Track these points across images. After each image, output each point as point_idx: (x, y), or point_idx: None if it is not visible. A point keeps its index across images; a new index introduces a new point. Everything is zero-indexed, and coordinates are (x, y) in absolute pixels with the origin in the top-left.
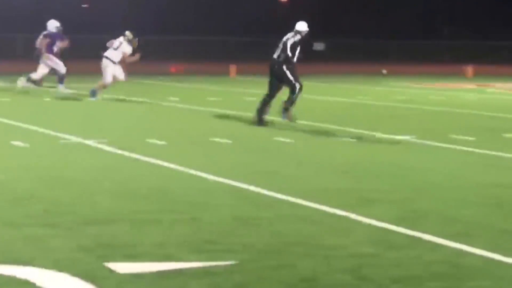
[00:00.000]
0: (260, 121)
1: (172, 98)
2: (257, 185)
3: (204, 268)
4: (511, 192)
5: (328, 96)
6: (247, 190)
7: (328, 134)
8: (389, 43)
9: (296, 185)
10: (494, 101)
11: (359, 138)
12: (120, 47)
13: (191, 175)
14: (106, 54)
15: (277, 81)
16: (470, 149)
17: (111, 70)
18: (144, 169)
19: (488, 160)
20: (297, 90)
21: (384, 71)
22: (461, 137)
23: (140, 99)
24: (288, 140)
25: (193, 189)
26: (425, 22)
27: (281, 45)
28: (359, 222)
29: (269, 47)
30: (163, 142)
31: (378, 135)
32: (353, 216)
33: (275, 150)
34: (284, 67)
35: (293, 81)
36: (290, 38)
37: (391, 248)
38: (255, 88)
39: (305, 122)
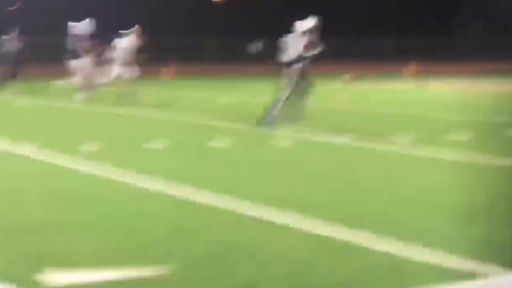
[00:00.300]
0: (269, 122)
1: (106, 102)
2: (194, 191)
3: (139, 277)
4: (451, 195)
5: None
6: (185, 196)
7: (267, 137)
8: (335, 41)
9: (234, 190)
10: (435, 100)
11: (298, 140)
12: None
13: (127, 181)
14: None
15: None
16: (409, 150)
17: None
18: (78, 175)
19: (428, 162)
20: (287, 97)
21: (347, 76)
22: (401, 138)
23: (73, 103)
24: (225, 144)
25: (128, 195)
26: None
27: (289, 46)
28: (297, 226)
29: (205, 49)
30: (97, 147)
31: (317, 136)
32: (292, 221)
33: (212, 154)
34: (293, 70)
35: (293, 86)
36: (298, 39)
37: (330, 252)
38: (191, 91)
39: (243, 126)
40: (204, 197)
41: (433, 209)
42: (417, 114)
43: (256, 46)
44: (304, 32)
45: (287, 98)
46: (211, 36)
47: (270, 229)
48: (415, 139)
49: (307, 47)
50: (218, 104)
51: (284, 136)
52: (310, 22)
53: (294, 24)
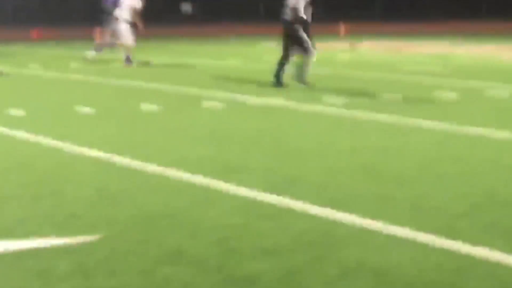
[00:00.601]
0: (278, 83)
1: (32, 65)
2: (122, 156)
3: (66, 244)
4: (383, 156)
5: (197, 59)
6: (112, 161)
7: (196, 100)
8: (259, 2)
9: (163, 155)
10: (367, 60)
11: (228, 102)
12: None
13: (53, 146)
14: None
15: (290, 42)
16: (343, 111)
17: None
18: (2, 141)
19: (361, 123)
20: (310, 53)
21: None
22: (333, 99)
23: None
24: (154, 108)
25: (55, 161)
26: None
27: (290, 6)
28: (227, 192)
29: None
30: (22, 113)
31: (248, 98)
32: (220, 185)
33: (141, 119)
34: (297, 29)
35: (306, 44)
36: None
37: (260, 218)
38: (121, 53)
39: (173, 87)
40: (133, 163)
41: (362, 173)
42: (348, 75)
43: (186, 8)
44: None
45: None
46: None
47: (200, 195)
48: (346, 100)
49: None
50: (151, 66)
51: (217, 98)
52: None
53: None
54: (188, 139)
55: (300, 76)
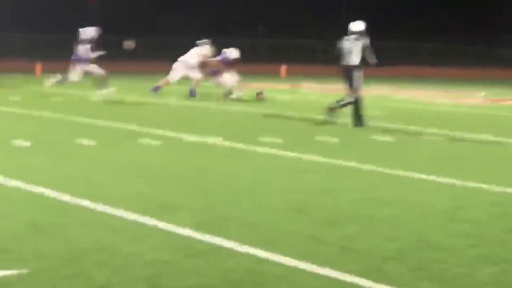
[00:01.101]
0: (360, 123)
1: None
2: (56, 190)
3: None
4: (316, 197)
5: (136, 96)
6: (45, 195)
7: (133, 136)
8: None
9: (96, 190)
10: (306, 101)
11: (164, 140)
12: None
13: None
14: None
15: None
16: (278, 152)
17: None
18: None
19: (296, 164)
20: (354, 98)
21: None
22: (269, 139)
23: None
24: (90, 143)
25: None
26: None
27: (348, 50)
28: (158, 229)
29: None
30: None
31: (184, 137)
32: (152, 222)
33: (77, 153)
34: (355, 72)
35: (356, 89)
36: (356, 42)
37: (190, 256)
38: (63, 87)
39: (110, 123)
40: (65, 197)
41: (294, 213)
42: (286, 115)
43: (128, 44)
44: (358, 35)
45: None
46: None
47: (130, 231)
48: (282, 140)
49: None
50: (89, 101)
51: (153, 135)
52: (361, 25)
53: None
54: (122, 175)
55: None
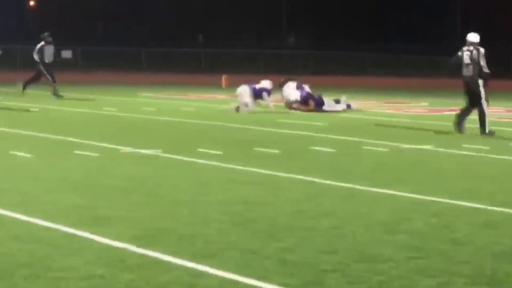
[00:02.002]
0: (460, 129)
1: None
2: None
3: None
4: (257, 210)
5: (73, 108)
6: None
7: (69, 148)
8: (141, 50)
9: (30, 203)
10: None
11: (102, 151)
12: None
13: None
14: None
15: (472, 96)
16: (217, 163)
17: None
18: None
19: (235, 175)
20: (483, 107)
21: None
22: (209, 151)
23: None
24: (26, 155)
25: None
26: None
27: (468, 62)
28: (93, 242)
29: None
30: None
31: (122, 148)
32: (86, 235)
33: (11, 165)
34: (479, 83)
35: (483, 99)
36: (475, 53)
37: (125, 270)
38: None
39: (46, 134)
40: None
41: (232, 225)
42: (227, 127)
43: (66, 54)
44: (477, 46)
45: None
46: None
47: (64, 245)
48: (222, 152)
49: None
50: (28, 112)
51: (90, 147)
52: (478, 36)
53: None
54: (57, 187)
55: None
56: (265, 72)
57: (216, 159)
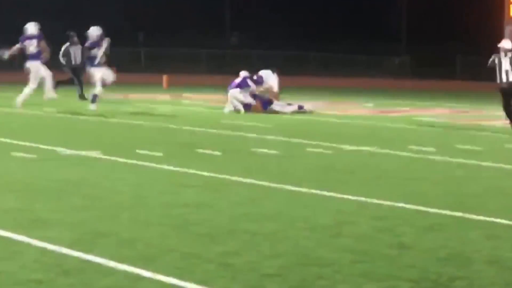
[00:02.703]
0: None
1: None
2: None
3: None
4: (198, 213)
5: (10, 108)
6: None
7: (5, 149)
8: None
9: None
10: (188, 113)
11: (39, 153)
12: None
13: None
14: None
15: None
16: (158, 165)
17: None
18: None
19: (176, 177)
20: None
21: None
22: (149, 152)
23: None
24: None
25: None
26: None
27: (506, 67)
28: (30, 246)
29: None
30: None
31: (60, 150)
32: (23, 238)
33: None
34: None
35: None
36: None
37: (63, 274)
38: None
39: None
40: None
41: (173, 229)
42: (167, 128)
43: (1, 53)
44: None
45: None
46: None
47: (1, 248)
48: (162, 153)
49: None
50: None
51: (28, 148)
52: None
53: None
54: None
55: None
56: (207, 73)
57: (157, 160)
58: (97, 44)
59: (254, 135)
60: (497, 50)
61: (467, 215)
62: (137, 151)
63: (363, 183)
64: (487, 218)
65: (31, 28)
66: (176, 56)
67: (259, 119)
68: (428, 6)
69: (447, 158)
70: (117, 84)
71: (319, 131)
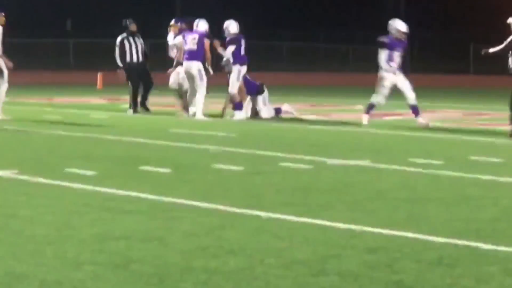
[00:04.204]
0: None
1: None
2: None
3: None
4: (143, 247)
5: None
6: None
7: None
8: None
9: None
10: (129, 120)
11: None
12: None
13: None
14: None
15: None
16: (91, 187)
17: None
18: None
19: (113, 202)
20: None
21: None
22: (80, 171)
23: None
24: None
25: None
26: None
27: None
28: None
29: None
30: None
31: None
32: None
33: None
34: None
35: None
36: None
37: None
38: None
39: None
40: None
41: (111, 268)
42: (104, 139)
43: None
44: None
45: None
46: None
47: None
48: (97, 172)
49: None
50: None
51: None
52: None
53: None
54: None
55: None
56: (152, 70)
57: (89, 181)
58: None
59: (214, 147)
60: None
61: (483, 246)
62: (65, 169)
63: (352, 207)
64: (508, 249)
65: None
66: (113, 50)
67: (220, 127)
68: None
69: (458, 173)
70: (39, 85)
71: (296, 141)
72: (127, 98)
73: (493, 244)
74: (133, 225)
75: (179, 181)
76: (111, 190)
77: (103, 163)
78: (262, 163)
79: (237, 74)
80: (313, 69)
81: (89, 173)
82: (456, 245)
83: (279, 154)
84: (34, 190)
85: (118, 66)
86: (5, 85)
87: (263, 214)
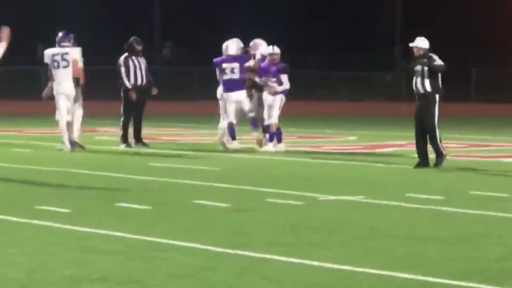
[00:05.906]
0: None
1: None
2: None
3: None
4: None
5: None
6: None
7: None
8: None
9: None
10: (105, 153)
11: None
12: None
13: None
14: None
15: None
16: (64, 226)
17: None
18: None
19: (89, 241)
20: None
21: None
22: (52, 208)
23: None
24: None
25: None
26: None
27: None
28: None
29: None
30: None
31: None
32: None
33: None
34: None
35: None
36: None
37: None
38: None
39: None
40: None
41: None
42: (79, 172)
43: None
44: None
45: None
46: None
47: None
48: (71, 208)
49: None
50: None
51: None
52: None
53: None
54: None
55: None
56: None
57: (63, 219)
58: None
59: (196, 182)
60: None
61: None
62: (36, 206)
63: (346, 246)
64: None
65: None
66: (91, 74)
67: (202, 161)
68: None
69: (460, 210)
70: (9, 116)
71: (284, 175)
72: (102, 129)
73: (498, 285)
74: (111, 267)
75: (159, 219)
76: (87, 229)
77: (78, 199)
78: (247, 199)
79: (279, 103)
80: (302, 96)
81: (63, 210)
82: (458, 287)
83: (266, 189)
84: (4, 229)
85: (122, 87)
86: None
87: (249, 254)
